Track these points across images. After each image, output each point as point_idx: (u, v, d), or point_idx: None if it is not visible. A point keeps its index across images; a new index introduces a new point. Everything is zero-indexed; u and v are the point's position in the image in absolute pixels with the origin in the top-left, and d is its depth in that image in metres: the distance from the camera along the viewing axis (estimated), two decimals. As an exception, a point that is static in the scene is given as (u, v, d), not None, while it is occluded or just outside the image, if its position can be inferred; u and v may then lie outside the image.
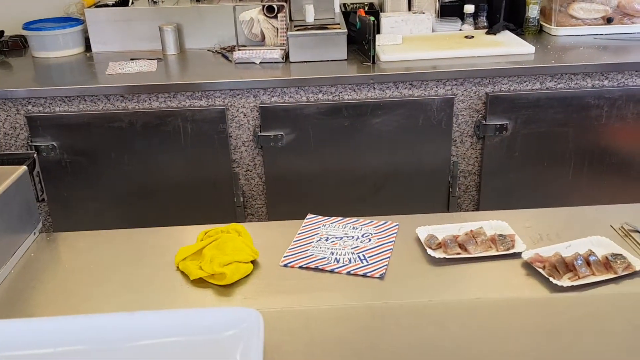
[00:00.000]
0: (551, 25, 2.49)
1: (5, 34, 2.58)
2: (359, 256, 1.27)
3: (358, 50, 2.35)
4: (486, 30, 2.48)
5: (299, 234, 1.36)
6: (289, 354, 0.79)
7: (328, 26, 2.33)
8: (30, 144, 2.15)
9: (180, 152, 2.19)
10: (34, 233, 1.35)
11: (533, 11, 2.49)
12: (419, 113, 2.19)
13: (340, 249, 1.30)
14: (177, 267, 1.23)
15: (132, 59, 2.36)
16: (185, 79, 2.20)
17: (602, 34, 2.47)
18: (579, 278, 1.16)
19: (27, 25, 2.47)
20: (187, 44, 2.50)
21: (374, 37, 2.20)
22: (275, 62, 2.29)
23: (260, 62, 2.28)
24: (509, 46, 2.30)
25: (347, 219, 1.42)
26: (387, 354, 0.80)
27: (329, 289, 1.15)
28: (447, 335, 0.85)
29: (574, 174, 2.28)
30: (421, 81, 2.17)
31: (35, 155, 1.54)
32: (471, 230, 1.29)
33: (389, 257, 1.26)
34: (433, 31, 2.51)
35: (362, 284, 1.17)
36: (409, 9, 2.58)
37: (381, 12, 2.55)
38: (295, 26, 2.34)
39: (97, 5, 2.53)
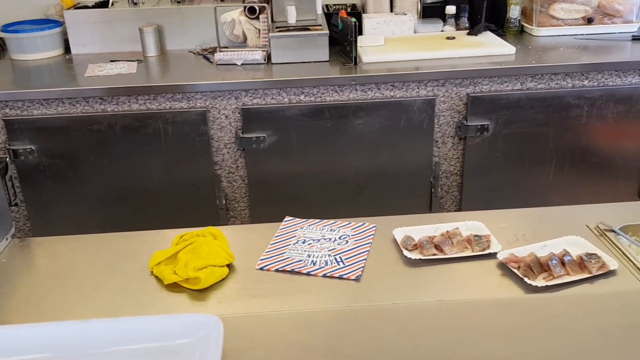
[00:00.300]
0: (532, 25, 2.51)
1: (-16, 36, 2.55)
2: (335, 258, 1.26)
3: (340, 52, 2.35)
4: (467, 31, 2.49)
5: (276, 236, 1.36)
6: (249, 358, 0.78)
7: (310, 27, 2.33)
8: (8, 147, 2.13)
9: (161, 155, 2.17)
10: (6, 238, 1.33)
11: (514, 12, 2.50)
12: (401, 114, 2.19)
13: (317, 252, 1.29)
14: (152, 272, 1.22)
15: (111, 61, 2.34)
16: (165, 80, 2.18)
17: (582, 34, 2.48)
18: (554, 278, 1.16)
19: (5, 28, 2.44)
20: (168, 45, 2.49)
21: (356, 38, 2.20)
22: (257, 64, 2.28)
23: (242, 64, 2.27)
24: (490, 47, 2.30)
25: (325, 221, 1.42)
26: (346, 358, 0.80)
27: (304, 292, 1.15)
28: (408, 338, 0.84)
29: (555, 173, 2.29)
30: (403, 82, 2.17)
31: (7, 159, 1.51)
32: (447, 231, 1.29)
33: (365, 258, 1.26)
34: (415, 32, 2.52)
35: (338, 287, 1.17)
36: (391, 10, 2.58)
37: (363, 13, 2.55)
38: (277, 27, 2.33)
39: (76, 7, 2.51)
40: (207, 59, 2.36)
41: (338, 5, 2.62)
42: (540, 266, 1.18)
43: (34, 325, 0.81)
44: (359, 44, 2.28)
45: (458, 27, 2.53)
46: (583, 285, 1.14)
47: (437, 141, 2.25)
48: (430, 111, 2.19)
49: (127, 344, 0.78)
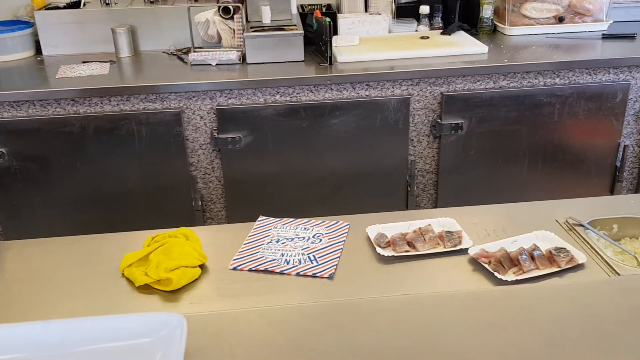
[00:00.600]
0: (504, 25, 2.54)
1: (-48, 37, 2.49)
2: (309, 257, 1.26)
3: (315, 52, 2.35)
4: (441, 30, 2.51)
5: (249, 236, 1.35)
6: (213, 356, 0.78)
7: (285, 27, 2.33)
8: (-23, 150, 2.09)
9: (135, 157, 2.15)
10: (-26, 242, 1.30)
11: (487, 11, 2.53)
12: (376, 113, 2.20)
13: (290, 250, 1.29)
14: (123, 274, 1.21)
15: (83, 62, 2.31)
16: (139, 81, 2.16)
17: (554, 33, 2.52)
18: (524, 272, 1.18)
19: (-26, 29, 2.40)
20: (142, 46, 2.46)
21: (331, 38, 2.21)
22: (232, 64, 2.27)
23: (216, 64, 2.26)
24: (463, 46, 2.33)
25: (299, 220, 1.42)
26: (311, 354, 0.80)
27: (277, 291, 1.15)
28: (373, 332, 0.85)
29: (529, 170, 2.32)
30: (378, 82, 2.18)
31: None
32: (420, 228, 1.30)
33: (338, 257, 1.26)
34: (389, 32, 2.53)
35: (311, 285, 1.17)
36: (366, 10, 2.60)
37: (338, 13, 2.56)
38: (251, 27, 2.33)
39: (47, 8, 2.47)
40: (181, 60, 2.34)
41: (313, 5, 2.63)
42: (511, 261, 1.20)
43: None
44: (334, 44, 2.29)
45: (432, 27, 2.55)
46: (552, 279, 1.16)
47: (413, 140, 2.27)
48: (405, 110, 2.20)
49: (89, 344, 0.77)
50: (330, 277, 1.19)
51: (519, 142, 2.27)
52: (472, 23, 2.56)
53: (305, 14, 2.48)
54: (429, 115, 2.24)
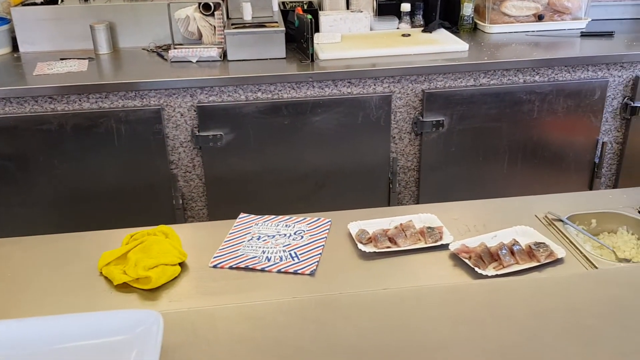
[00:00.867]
0: (485, 23, 2.56)
1: None
2: (290, 254, 1.26)
3: (297, 49, 2.34)
4: (422, 28, 2.52)
5: (230, 233, 1.34)
6: (191, 353, 0.77)
7: (266, 24, 2.31)
8: (-49, 149, 2.04)
9: (115, 155, 2.12)
10: (-52, 242, 1.27)
11: (467, 9, 2.55)
12: (358, 110, 2.20)
13: (272, 248, 1.28)
14: (101, 273, 1.19)
15: (61, 59, 2.27)
16: (118, 78, 2.13)
17: (533, 31, 2.55)
18: (504, 267, 1.19)
19: (-52, 25, 2.34)
20: (121, 42, 2.43)
21: (312, 35, 2.20)
22: (212, 61, 2.25)
23: (197, 61, 2.24)
24: (444, 44, 2.34)
25: (280, 217, 1.41)
26: (290, 349, 0.80)
27: (258, 289, 1.14)
28: (352, 326, 0.85)
29: (509, 167, 2.34)
30: (359, 79, 2.18)
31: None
32: (401, 224, 1.30)
33: (320, 253, 1.26)
34: (371, 29, 2.53)
35: (292, 282, 1.16)
36: (347, 8, 2.59)
37: (320, 10, 2.55)
38: (232, 24, 2.31)
39: (24, 4, 2.42)
40: (161, 57, 2.32)
41: (294, 2, 2.62)
42: (491, 256, 1.20)
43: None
44: (315, 41, 2.28)
45: (413, 25, 2.56)
46: (532, 273, 1.17)
47: (394, 137, 2.27)
48: (387, 107, 2.20)
49: (64, 342, 0.76)
50: (312, 274, 1.19)
51: (499, 139, 2.29)
52: (452, 21, 2.57)
53: (286, 11, 2.47)
54: (411, 113, 2.24)
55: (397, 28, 2.55)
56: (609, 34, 2.48)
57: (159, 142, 2.13)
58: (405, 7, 2.52)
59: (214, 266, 1.22)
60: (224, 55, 2.27)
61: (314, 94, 2.17)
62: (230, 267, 1.22)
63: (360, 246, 1.25)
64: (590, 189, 2.42)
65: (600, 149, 2.37)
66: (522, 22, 2.56)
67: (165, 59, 2.28)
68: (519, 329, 0.86)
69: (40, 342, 0.76)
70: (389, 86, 2.20)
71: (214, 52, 2.24)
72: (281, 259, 1.24)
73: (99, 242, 1.30)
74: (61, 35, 2.39)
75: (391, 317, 0.85)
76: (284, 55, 2.27)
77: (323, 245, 1.29)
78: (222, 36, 2.30)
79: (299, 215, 1.41)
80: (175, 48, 2.29)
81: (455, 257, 1.22)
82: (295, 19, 2.33)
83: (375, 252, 1.24)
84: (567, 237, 1.29)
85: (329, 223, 1.37)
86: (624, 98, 2.33)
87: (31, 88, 2.03)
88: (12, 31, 2.40)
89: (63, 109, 2.07)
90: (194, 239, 1.32)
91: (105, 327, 0.75)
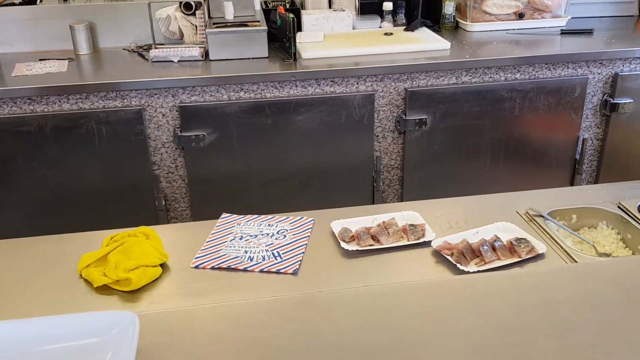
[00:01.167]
0: (466, 21, 2.57)
1: None
2: (272, 253, 1.25)
3: (279, 48, 2.34)
4: (404, 27, 2.53)
5: (212, 234, 1.33)
6: (167, 354, 0.76)
7: (248, 23, 2.30)
8: None
9: (96, 156, 2.10)
10: None
11: (449, 8, 2.56)
12: (341, 109, 2.20)
13: (254, 247, 1.28)
14: (81, 275, 1.17)
15: (41, 60, 2.24)
16: (98, 78, 2.11)
17: (514, 29, 2.57)
18: (485, 263, 1.19)
19: None
20: (101, 42, 2.41)
21: (294, 34, 2.19)
22: (194, 60, 2.23)
23: (178, 61, 2.22)
24: (426, 42, 2.35)
25: (263, 216, 1.40)
26: (268, 348, 0.79)
27: (240, 289, 1.13)
28: (332, 323, 0.84)
29: (491, 164, 2.36)
30: (342, 78, 2.18)
31: None
32: (384, 222, 1.30)
33: (303, 252, 1.25)
34: (353, 28, 2.53)
35: (274, 281, 1.16)
36: (330, 7, 2.59)
37: (302, 9, 2.55)
38: (214, 23, 2.30)
39: (2, 4, 2.38)
40: (142, 57, 2.30)
41: (276, 1, 2.61)
42: (472, 252, 1.21)
43: None
44: (298, 40, 2.28)
45: (395, 24, 2.56)
46: (514, 269, 1.18)
47: (378, 136, 2.27)
48: (370, 106, 2.21)
49: (37, 345, 0.74)
50: (295, 273, 1.19)
51: (482, 136, 2.31)
52: (434, 19, 2.59)
53: (268, 10, 2.46)
54: (394, 111, 2.25)
55: (380, 27, 2.55)
56: (588, 32, 2.51)
57: (141, 142, 2.11)
58: (388, 5, 2.53)
59: (196, 267, 1.21)
60: (206, 54, 2.26)
61: (296, 93, 2.17)
62: (212, 268, 1.21)
63: (343, 244, 1.25)
64: (572, 185, 2.44)
65: (581, 146, 2.39)
66: (503, 21, 2.58)
67: (147, 59, 2.26)
68: (498, 323, 0.87)
69: (13, 346, 0.74)
70: (371, 85, 2.20)
71: (195, 52, 2.23)
72: (264, 259, 1.23)
73: (79, 244, 1.28)
74: (40, 36, 2.36)
75: (371, 314, 0.85)
76: (267, 55, 2.26)
77: (306, 244, 1.28)
78: (204, 36, 2.28)
79: (281, 214, 1.40)
80: (156, 48, 2.27)
81: (438, 254, 1.22)
82: (278, 18, 2.33)
83: (358, 250, 1.24)
84: (547, 233, 1.31)
85: (312, 222, 1.37)
86: (604, 95, 2.36)
87: (10, 89, 2.00)
88: (-11, 32, 2.36)
89: (42, 110, 2.04)
90: (176, 239, 1.31)
91: (80, 329, 0.74)
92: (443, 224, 1.32)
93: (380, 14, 2.57)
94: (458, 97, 2.23)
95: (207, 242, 1.30)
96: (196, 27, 2.34)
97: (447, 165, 2.33)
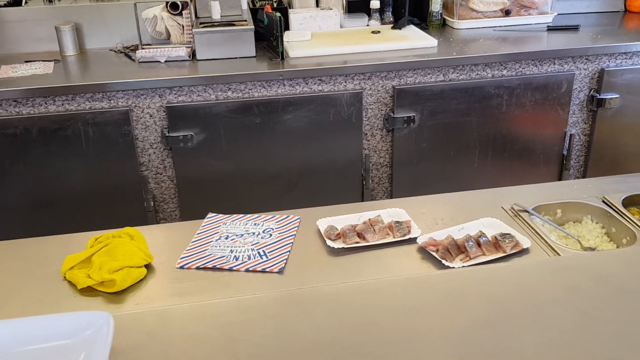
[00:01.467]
0: (453, 18, 2.58)
1: None
2: (258, 252, 1.25)
3: (267, 47, 2.33)
4: (392, 25, 2.53)
5: (197, 234, 1.33)
6: (142, 354, 0.76)
7: (235, 23, 2.30)
8: None
9: (83, 158, 2.09)
10: None
11: (436, 6, 2.56)
12: (330, 108, 2.20)
13: (240, 246, 1.28)
14: (65, 277, 1.17)
15: (26, 62, 2.23)
16: (85, 79, 2.10)
17: (500, 26, 2.58)
18: (470, 258, 1.20)
19: None
20: (87, 44, 2.39)
21: (282, 33, 2.19)
22: (181, 60, 2.23)
23: (165, 61, 2.22)
24: (414, 40, 2.35)
25: (249, 215, 1.40)
26: (246, 346, 0.79)
27: (224, 288, 1.13)
28: (311, 321, 0.84)
29: (479, 161, 2.36)
30: (330, 76, 2.18)
31: None
32: (369, 219, 1.30)
33: (289, 251, 1.25)
34: (341, 27, 2.54)
35: (260, 280, 1.16)
36: (317, 5, 2.59)
37: (289, 8, 2.54)
38: (201, 23, 2.29)
39: (-14, 6, 2.37)
40: (129, 57, 2.29)
41: (263, 0, 2.61)
42: (458, 248, 1.21)
43: None
44: (285, 39, 2.28)
45: (383, 22, 2.57)
46: (498, 264, 1.18)
47: (366, 134, 2.28)
48: (358, 104, 2.21)
49: (10, 347, 0.74)
50: (280, 272, 1.19)
51: (470, 133, 2.31)
52: (421, 17, 2.59)
53: (255, 10, 2.46)
54: (382, 109, 2.25)
55: (367, 25, 2.56)
56: (574, 28, 2.52)
57: (128, 143, 2.11)
58: (375, 4, 2.53)
59: (181, 267, 1.21)
60: (193, 54, 2.25)
61: (284, 92, 2.17)
62: (198, 268, 1.21)
63: (329, 242, 1.25)
64: (560, 180, 2.45)
65: (568, 141, 2.41)
66: (489, 18, 2.59)
67: (133, 60, 2.25)
68: (478, 317, 0.87)
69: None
70: (359, 83, 2.20)
71: (182, 52, 2.22)
72: (249, 258, 1.23)
73: (64, 245, 1.27)
74: (26, 37, 2.35)
75: (350, 311, 0.85)
76: (254, 54, 2.26)
77: (292, 242, 1.28)
78: (191, 35, 2.28)
79: (267, 213, 1.40)
80: (143, 48, 2.26)
81: (423, 251, 1.22)
82: (265, 17, 2.33)
83: (344, 247, 1.24)
84: (532, 228, 1.31)
85: (298, 220, 1.36)
86: (590, 90, 2.37)
87: (-6, 91, 1.99)
88: (-26, 34, 2.34)
89: (28, 112, 2.03)
90: (161, 240, 1.30)
91: (53, 331, 0.74)
92: (429, 220, 1.32)
93: (368, 12, 2.57)
94: (446, 94, 2.24)
95: (193, 242, 1.29)
96: (183, 27, 2.33)
97: (436, 162, 2.33)
